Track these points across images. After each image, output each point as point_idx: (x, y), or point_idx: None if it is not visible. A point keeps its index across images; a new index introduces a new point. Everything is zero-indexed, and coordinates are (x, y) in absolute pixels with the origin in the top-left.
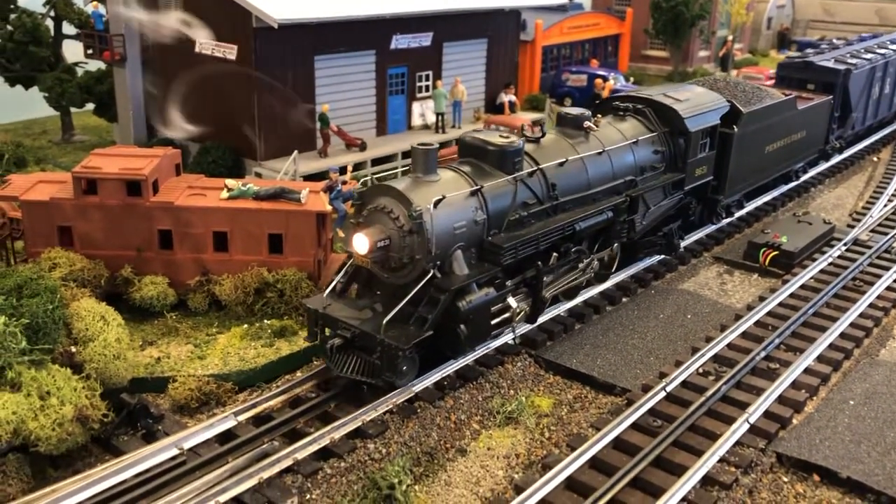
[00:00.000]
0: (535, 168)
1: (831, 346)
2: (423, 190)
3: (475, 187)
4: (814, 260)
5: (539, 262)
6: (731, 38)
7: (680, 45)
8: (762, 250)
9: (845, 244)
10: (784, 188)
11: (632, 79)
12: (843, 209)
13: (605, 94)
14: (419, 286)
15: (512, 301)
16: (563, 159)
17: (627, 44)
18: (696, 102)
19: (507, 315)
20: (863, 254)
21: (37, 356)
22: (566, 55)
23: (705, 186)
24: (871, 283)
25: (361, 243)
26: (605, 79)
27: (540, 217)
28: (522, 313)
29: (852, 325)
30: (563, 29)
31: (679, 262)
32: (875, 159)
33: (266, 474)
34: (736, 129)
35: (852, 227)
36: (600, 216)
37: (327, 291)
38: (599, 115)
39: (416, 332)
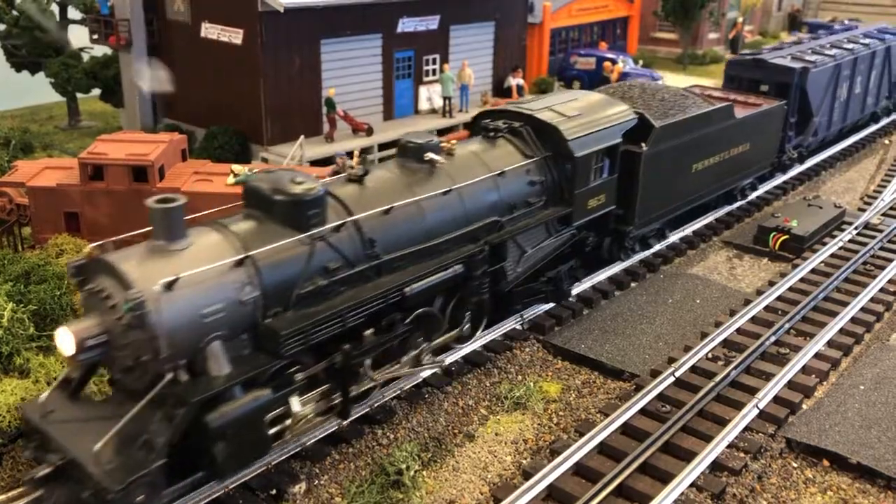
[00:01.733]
0: (345, 220)
1: (842, 331)
2: (159, 265)
3: (242, 255)
4: (824, 244)
5: (347, 346)
6: (741, 19)
7: (689, 28)
8: (772, 234)
9: (856, 228)
10: (723, 211)
11: (641, 61)
12: (853, 192)
13: (613, 77)
14: (152, 395)
15: (295, 404)
16: (389, 205)
17: (636, 26)
18: (590, 118)
19: (288, 422)
20: (874, 237)
21: (45, 342)
22: (575, 38)
23: (607, 217)
24: (882, 267)
25: (66, 342)
26: (613, 62)
27: (354, 283)
28: (325, 410)
29: (863, 309)
30: (571, 11)
31: (688, 247)
32: (887, 142)
33: (274, 460)
34: (645, 148)
35: (863, 210)
36: (444, 273)
37: (50, 390)
38: (453, 142)
39: (143, 460)
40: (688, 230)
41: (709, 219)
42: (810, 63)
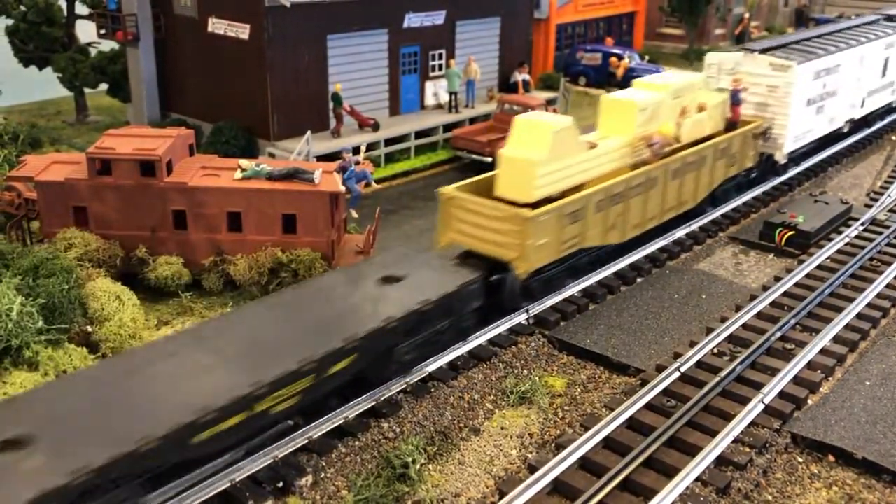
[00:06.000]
0: None
1: (847, 327)
2: None
3: None
4: (830, 240)
5: None
6: (747, 15)
7: (696, 23)
8: (778, 230)
9: (862, 224)
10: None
11: (647, 57)
12: (860, 189)
13: (619, 72)
14: None
15: None
16: None
17: (642, 22)
18: None
19: None
20: (880, 233)
21: (53, 336)
22: (580, 33)
23: None
24: (889, 263)
25: None
26: (619, 57)
27: None
28: None
29: (869, 305)
30: (577, 7)
31: (694, 242)
32: (893, 138)
33: (281, 453)
34: None
35: (870, 206)
36: None
37: None
38: None
39: None
40: (694, 226)
41: (714, 215)
42: None
